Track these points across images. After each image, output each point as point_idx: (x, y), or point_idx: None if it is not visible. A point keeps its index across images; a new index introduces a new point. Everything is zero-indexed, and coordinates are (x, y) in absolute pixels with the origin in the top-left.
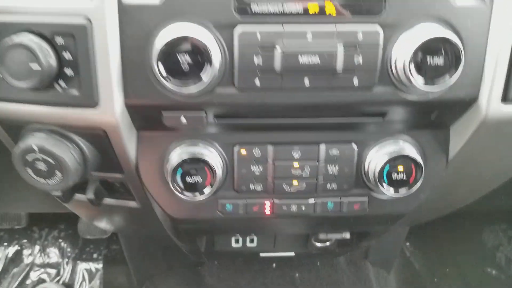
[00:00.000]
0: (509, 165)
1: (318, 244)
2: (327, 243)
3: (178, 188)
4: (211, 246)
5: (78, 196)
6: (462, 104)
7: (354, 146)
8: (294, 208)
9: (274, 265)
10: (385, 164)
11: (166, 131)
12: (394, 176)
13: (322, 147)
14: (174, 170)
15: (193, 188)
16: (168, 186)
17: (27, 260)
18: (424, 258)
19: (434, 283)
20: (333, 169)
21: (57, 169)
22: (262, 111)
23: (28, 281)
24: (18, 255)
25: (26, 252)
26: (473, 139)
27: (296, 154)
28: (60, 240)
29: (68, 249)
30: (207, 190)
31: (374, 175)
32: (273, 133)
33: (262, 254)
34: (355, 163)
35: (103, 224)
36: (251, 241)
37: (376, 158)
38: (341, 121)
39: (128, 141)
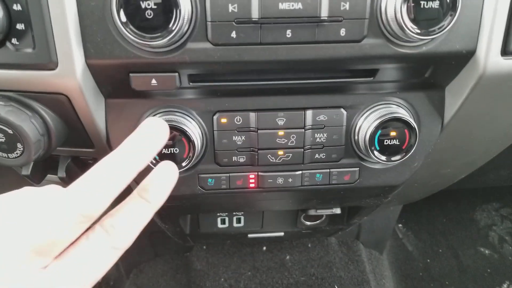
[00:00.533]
0: (507, 129)
1: (308, 223)
2: (317, 221)
3: (153, 160)
4: (196, 227)
5: (51, 177)
6: (459, 58)
7: (343, 111)
8: (280, 181)
9: (264, 248)
10: (377, 128)
11: (138, 99)
12: (386, 142)
13: (309, 113)
14: None
15: (170, 159)
16: None
17: None
18: (417, 239)
19: (427, 264)
20: (320, 136)
21: (17, 140)
22: (241, 71)
23: None
24: None
25: None
26: (470, 100)
27: (281, 121)
28: None
29: None
30: (185, 163)
31: (364, 142)
32: (255, 98)
33: (250, 235)
34: (344, 130)
35: None
36: (238, 221)
37: (366, 123)
38: (328, 83)
39: (95, 110)
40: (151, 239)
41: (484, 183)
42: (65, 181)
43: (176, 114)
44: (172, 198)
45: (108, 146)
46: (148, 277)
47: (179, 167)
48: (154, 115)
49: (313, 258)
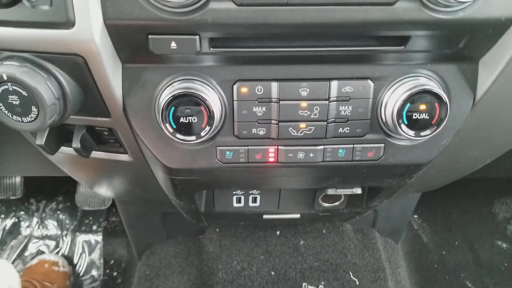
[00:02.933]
0: None
1: (326, 204)
2: (336, 203)
3: (170, 129)
4: (211, 206)
5: (65, 149)
6: (497, 26)
7: (370, 82)
8: (301, 155)
9: (278, 232)
10: (405, 102)
11: (156, 64)
12: (415, 116)
13: (334, 83)
14: (165, 108)
15: (187, 130)
16: (161, 131)
17: (25, 232)
18: (432, 231)
19: (442, 256)
20: (345, 109)
21: (31, 103)
22: (265, 36)
23: (26, 253)
24: (15, 227)
25: (23, 224)
26: (506, 74)
27: (304, 92)
28: (59, 212)
29: (67, 221)
30: (203, 133)
31: (392, 116)
32: (278, 67)
33: (265, 216)
34: (370, 103)
35: (98, 187)
36: (254, 200)
37: (394, 96)
38: (355, 52)
39: (113, 74)
40: (164, 221)
41: (508, 172)
42: (80, 152)
43: (195, 82)
44: (189, 171)
45: (124, 115)
46: (160, 258)
47: (198, 137)
48: (172, 83)
49: (328, 244)
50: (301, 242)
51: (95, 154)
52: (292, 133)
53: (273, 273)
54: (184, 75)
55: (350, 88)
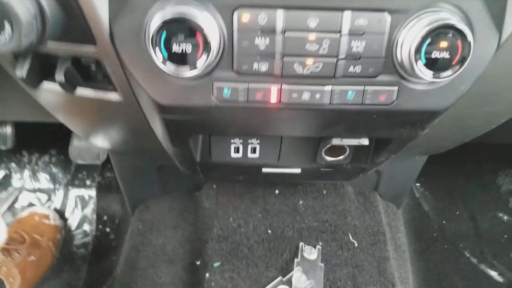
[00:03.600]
0: None
1: (329, 158)
2: (340, 157)
3: (161, 57)
4: (207, 156)
5: (50, 85)
6: None
7: (387, 15)
8: (306, 96)
9: (276, 191)
10: (425, 37)
11: None
12: (435, 54)
13: (347, 14)
14: (156, 33)
15: (180, 59)
16: (151, 61)
17: (16, 184)
18: (434, 200)
19: (442, 225)
20: (358, 45)
21: (4, 18)
22: None
23: (17, 205)
24: (6, 179)
25: (15, 176)
26: None
27: (313, 23)
28: (51, 165)
29: (60, 175)
30: (199, 64)
31: (409, 54)
32: None
33: (264, 170)
34: (386, 38)
35: (91, 136)
36: (253, 150)
37: (413, 31)
38: None
39: None
40: (159, 175)
41: None
42: (65, 87)
43: (190, 5)
44: (182, 109)
45: (111, 43)
46: (153, 213)
47: (192, 68)
48: (164, 6)
49: (328, 205)
50: (300, 202)
51: (82, 91)
52: (298, 70)
53: (269, 231)
54: None
55: (365, 21)
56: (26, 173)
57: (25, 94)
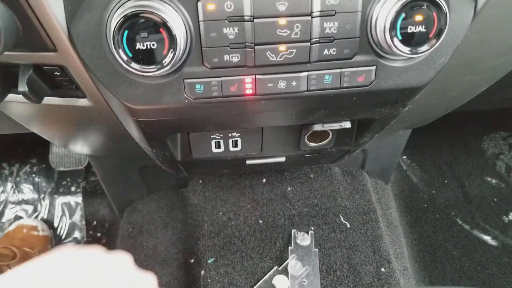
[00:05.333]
0: None
1: (312, 144)
2: (323, 142)
3: (124, 57)
4: (188, 153)
5: (15, 97)
6: None
7: None
8: (282, 84)
9: (264, 180)
10: (398, 13)
11: None
12: (411, 28)
13: None
14: (117, 31)
15: (145, 57)
16: (116, 62)
17: None
18: (422, 171)
19: (432, 195)
20: (330, 26)
21: None
22: None
23: (4, 219)
24: None
25: None
26: None
27: (282, 6)
28: (34, 175)
29: (43, 184)
30: (166, 61)
31: (384, 30)
32: None
33: (248, 162)
34: (359, 16)
35: (68, 143)
36: (235, 143)
37: (386, 6)
38: None
39: None
40: (142, 176)
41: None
42: (29, 97)
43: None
44: (154, 111)
45: (72, 46)
46: (142, 215)
47: (159, 66)
48: (124, 2)
49: (316, 188)
50: (289, 189)
51: (50, 100)
52: (271, 58)
53: (261, 221)
54: None
55: (336, 0)
56: (9, 185)
57: None
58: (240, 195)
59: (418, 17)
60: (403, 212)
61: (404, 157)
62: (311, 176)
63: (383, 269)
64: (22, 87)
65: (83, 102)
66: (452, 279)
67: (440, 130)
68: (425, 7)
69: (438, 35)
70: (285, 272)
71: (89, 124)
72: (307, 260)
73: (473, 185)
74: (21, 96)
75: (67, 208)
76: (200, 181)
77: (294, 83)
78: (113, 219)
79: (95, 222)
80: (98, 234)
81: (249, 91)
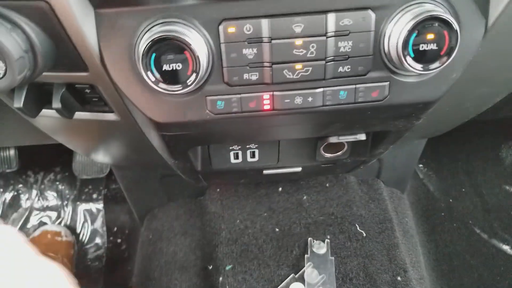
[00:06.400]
0: None
1: (328, 155)
2: (338, 153)
3: (153, 78)
4: (208, 164)
5: (47, 112)
6: None
7: (371, 13)
8: (298, 100)
9: (280, 189)
10: (411, 31)
11: (132, 7)
12: (422, 47)
13: (331, 16)
14: (145, 54)
15: (171, 78)
16: (144, 81)
17: (25, 204)
18: (438, 179)
19: (449, 204)
20: (345, 45)
21: None
22: None
23: (29, 225)
24: (15, 200)
25: (23, 197)
26: None
27: (298, 28)
28: (57, 183)
29: (67, 191)
30: (190, 81)
31: (397, 49)
32: (267, 1)
33: (265, 172)
34: (372, 36)
35: (92, 153)
36: (252, 155)
37: (399, 26)
38: None
39: (84, 21)
40: (163, 184)
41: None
42: (62, 113)
43: (176, 25)
44: (178, 125)
45: (103, 67)
46: (161, 222)
47: (184, 86)
48: (151, 27)
49: (332, 197)
50: (304, 197)
51: (80, 115)
52: (288, 76)
53: (277, 229)
54: (164, 17)
55: (349, 21)
56: (34, 192)
57: (25, 120)
58: (257, 204)
59: (430, 36)
60: (420, 221)
61: (421, 165)
62: (327, 185)
63: (399, 278)
64: (56, 104)
65: (110, 116)
66: (465, 284)
67: (457, 139)
68: (436, 26)
69: (449, 52)
70: (301, 280)
71: (113, 136)
72: (323, 268)
73: (492, 193)
74: (53, 111)
75: (89, 215)
76: (218, 190)
77: (310, 99)
78: (133, 226)
79: (115, 229)
80: (119, 240)
81: (267, 107)
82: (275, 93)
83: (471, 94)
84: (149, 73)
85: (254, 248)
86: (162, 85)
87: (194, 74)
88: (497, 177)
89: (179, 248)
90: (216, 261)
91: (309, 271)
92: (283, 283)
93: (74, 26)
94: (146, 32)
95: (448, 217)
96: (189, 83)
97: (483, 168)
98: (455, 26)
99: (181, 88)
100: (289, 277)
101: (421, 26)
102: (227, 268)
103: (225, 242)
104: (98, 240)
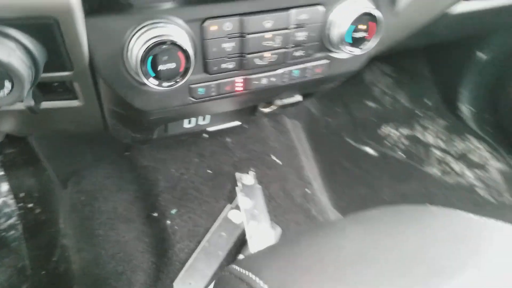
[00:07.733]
0: None
1: (266, 110)
2: (274, 108)
3: (151, 79)
4: (163, 131)
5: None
6: None
7: (322, 8)
8: (264, 81)
9: (205, 135)
10: (351, 26)
11: (119, 15)
12: (356, 35)
13: (292, 12)
14: (143, 58)
15: (166, 76)
16: (134, 80)
17: None
18: (319, 104)
19: (328, 122)
20: (302, 35)
21: (5, 78)
22: None
23: None
24: None
25: None
26: None
27: (268, 24)
28: None
29: None
30: (184, 77)
31: (339, 38)
32: (242, 2)
33: (209, 129)
34: (320, 27)
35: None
36: (204, 118)
37: (340, 20)
38: None
39: (81, 30)
40: (89, 145)
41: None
42: (33, 110)
43: (165, 27)
44: (162, 111)
45: (89, 68)
46: (91, 182)
47: (178, 81)
48: (138, 30)
49: (250, 136)
50: (228, 139)
51: (44, 104)
52: (258, 63)
53: (209, 171)
54: (150, 20)
55: (305, 15)
56: None
57: None
58: (187, 151)
59: (362, 26)
60: (308, 138)
61: None
62: (246, 127)
63: (307, 190)
64: (29, 102)
65: (73, 103)
66: (345, 183)
67: None
68: (368, 18)
69: (376, 36)
70: (237, 208)
71: (66, 117)
72: (253, 195)
73: (357, 109)
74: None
75: None
76: (145, 144)
77: (273, 79)
78: (44, 188)
79: (22, 194)
80: (30, 205)
81: (239, 88)
82: (246, 77)
83: None
84: (146, 73)
85: (192, 191)
86: (156, 81)
87: (186, 72)
88: (360, 95)
89: (118, 204)
90: (160, 208)
91: (242, 199)
92: (222, 213)
93: (74, 36)
94: (135, 33)
95: (327, 132)
96: (185, 79)
97: (351, 90)
98: (381, 18)
99: (174, 83)
100: (226, 207)
101: (357, 19)
102: (172, 212)
103: (165, 191)
104: (6, 210)
